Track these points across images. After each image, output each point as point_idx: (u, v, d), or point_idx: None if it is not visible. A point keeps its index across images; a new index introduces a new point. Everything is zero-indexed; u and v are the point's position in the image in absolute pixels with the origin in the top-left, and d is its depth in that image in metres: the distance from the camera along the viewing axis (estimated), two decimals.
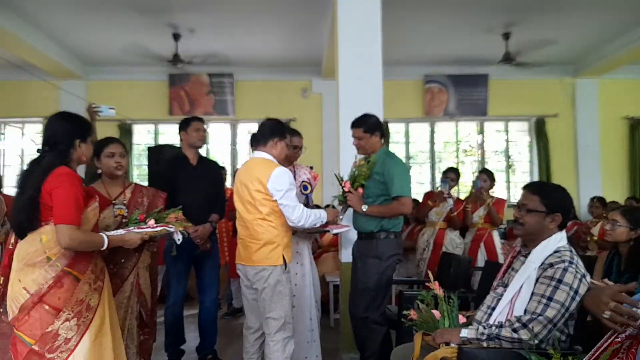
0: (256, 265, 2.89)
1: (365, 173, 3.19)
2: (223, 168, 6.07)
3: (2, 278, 2.22)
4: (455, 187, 7.44)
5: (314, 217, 2.97)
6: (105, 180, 2.88)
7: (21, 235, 2.14)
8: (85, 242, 2.18)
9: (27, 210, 2.08)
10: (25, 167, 2.22)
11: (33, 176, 2.11)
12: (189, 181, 3.61)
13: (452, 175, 4.97)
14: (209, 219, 3.65)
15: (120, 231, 2.40)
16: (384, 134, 3.43)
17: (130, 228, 2.46)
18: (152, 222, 2.55)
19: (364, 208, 3.17)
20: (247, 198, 2.92)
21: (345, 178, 3.35)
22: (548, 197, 2.14)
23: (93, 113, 3.59)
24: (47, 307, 2.06)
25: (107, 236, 2.26)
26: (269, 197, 2.85)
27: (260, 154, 3.01)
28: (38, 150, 2.21)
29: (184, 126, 3.74)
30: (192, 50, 6.33)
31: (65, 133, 2.20)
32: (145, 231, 2.48)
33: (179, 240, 2.67)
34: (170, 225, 2.60)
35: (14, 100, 7.09)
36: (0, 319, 2.21)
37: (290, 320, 2.95)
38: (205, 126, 3.82)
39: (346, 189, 3.21)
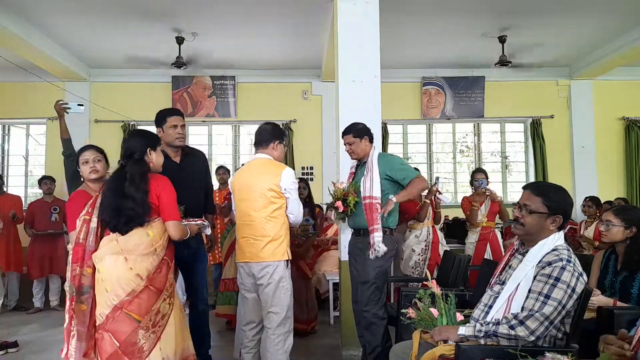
0: (262, 262, 2.96)
1: (353, 196, 3.33)
2: (223, 167, 6.14)
3: (78, 268, 2.51)
4: (453, 187, 7.50)
5: (301, 214, 3.19)
6: (87, 183, 2.89)
7: (125, 230, 2.47)
8: (184, 233, 2.64)
9: (142, 208, 2.47)
10: (113, 176, 2.62)
11: (135, 181, 2.48)
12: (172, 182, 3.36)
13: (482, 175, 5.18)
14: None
15: (184, 222, 2.75)
16: (373, 138, 3.48)
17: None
18: None
19: (394, 199, 3.21)
20: (254, 196, 2.98)
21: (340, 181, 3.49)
22: (551, 199, 2.12)
23: (61, 110, 3.51)
24: (153, 288, 2.47)
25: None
26: (280, 195, 2.98)
27: (262, 155, 3.11)
28: (119, 162, 2.62)
29: (159, 121, 3.27)
30: (195, 54, 6.40)
31: (138, 145, 2.61)
32: (197, 223, 2.85)
33: (208, 233, 2.98)
34: (204, 220, 2.92)
35: (19, 101, 7.10)
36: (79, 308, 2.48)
37: (291, 315, 3.03)
38: (183, 122, 3.31)
39: (340, 210, 3.35)
